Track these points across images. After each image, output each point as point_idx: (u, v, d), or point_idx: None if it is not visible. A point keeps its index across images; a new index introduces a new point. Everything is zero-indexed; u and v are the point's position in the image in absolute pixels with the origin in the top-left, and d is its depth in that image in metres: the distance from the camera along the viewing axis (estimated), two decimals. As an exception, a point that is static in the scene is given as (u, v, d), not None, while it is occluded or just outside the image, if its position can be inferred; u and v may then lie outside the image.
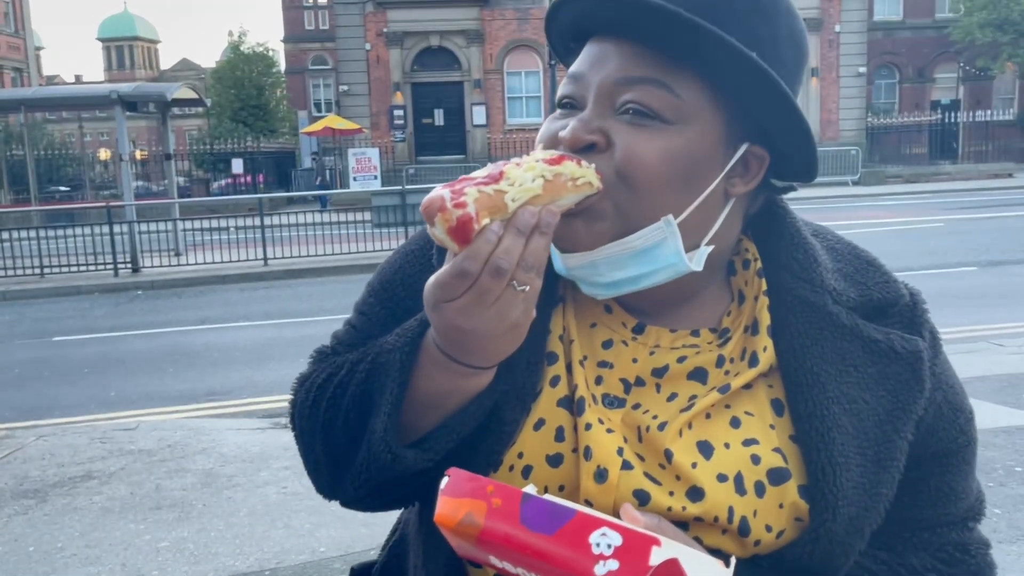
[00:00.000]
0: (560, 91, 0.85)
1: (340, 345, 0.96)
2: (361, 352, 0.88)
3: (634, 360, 0.85)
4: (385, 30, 28.68)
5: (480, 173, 0.72)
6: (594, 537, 0.65)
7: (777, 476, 0.79)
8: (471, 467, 0.74)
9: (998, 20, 27.67)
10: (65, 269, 13.30)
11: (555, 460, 0.81)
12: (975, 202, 18.90)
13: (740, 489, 0.78)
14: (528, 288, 0.72)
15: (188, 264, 13.61)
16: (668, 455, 0.79)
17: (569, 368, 0.85)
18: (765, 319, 0.85)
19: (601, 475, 0.79)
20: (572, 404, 0.83)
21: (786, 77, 0.78)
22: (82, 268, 13.32)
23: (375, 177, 21.90)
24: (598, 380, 0.85)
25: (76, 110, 22.43)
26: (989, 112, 30.04)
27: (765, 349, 0.83)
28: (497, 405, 0.81)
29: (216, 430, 5.51)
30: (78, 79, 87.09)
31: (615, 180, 0.78)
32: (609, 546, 0.64)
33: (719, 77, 0.77)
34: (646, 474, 0.79)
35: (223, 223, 15.06)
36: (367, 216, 15.47)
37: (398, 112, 28.66)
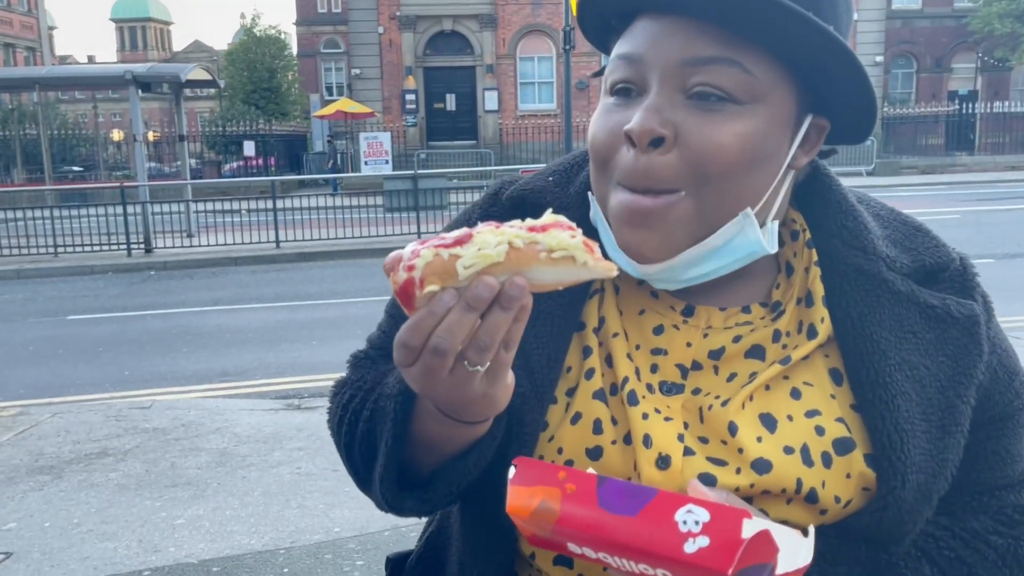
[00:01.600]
0: (613, 75, 0.79)
1: (372, 349, 0.96)
2: (374, 378, 0.88)
3: (688, 344, 0.84)
4: (398, 13, 28.57)
5: (454, 233, 0.63)
6: (680, 515, 0.63)
7: (843, 446, 0.78)
8: (501, 471, 0.73)
9: (1018, 11, 27.37)
10: (79, 249, 13.35)
11: (595, 453, 0.80)
12: (992, 194, 18.75)
13: (808, 461, 0.77)
14: (483, 368, 0.65)
15: (200, 246, 13.64)
16: (732, 428, 0.78)
17: (609, 361, 0.83)
18: (819, 290, 0.83)
19: (664, 461, 0.78)
20: (607, 396, 0.81)
21: (845, 39, 0.76)
22: (95, 248, 13.37)
23: (387, 161, 21.87)
24: (654, 368, 0.83)
25: (90, 90, 22.46)
26: (1007, 103, 29.70)
27: (823, 320, 0.82)
28: (516, 407, 0.79)
29: (229, 410, 5.53)
30: (90, 60, 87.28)
31: (693, 178, 0.74)
32: (697, 522, 0.62)
33: (790, 50, 0.74)
34: (709, 458, 0.78)
35: (235, 205, 15.06)
36: (379, 200, 15.47)
37: (410, 96, 28.59)
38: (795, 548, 0.66)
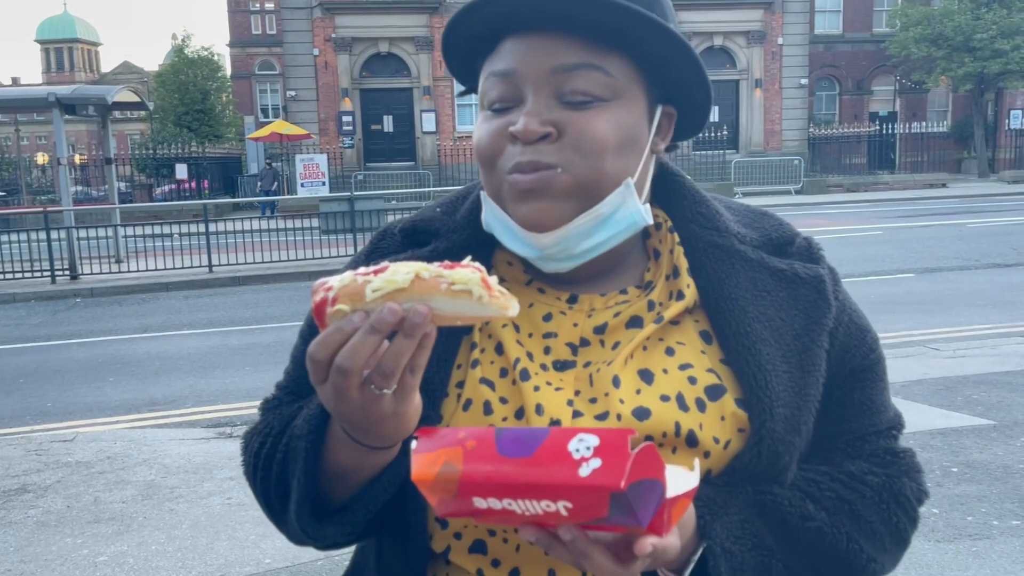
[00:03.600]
0: (490, 93, 0.88)
1: (281, 392, 1.01)
2: (282, 423, 0.92)
3: (575, 324, 0.92)
4: (333, 35, 28.44)
5: (375, 267, 0.69)
6: (572, 444, 0.66)
7: (714, 392, 0.87)
8: (403, 467, 0.78)
9: (932, 35, 28.58)
10: (0, 276, 12.87)
11: None
12: (912, 211, 19.49)
13: (683, 406, 0.86)
14: (389, 392, 0.70)
15: (130, 271, 13.27)
16: (616, 382, 0.86)
17: (499, 349, 0.90)
18: (683, 263, 0.94)
19: (555, 423, 0.85)
20: (496, 380, 0.88)
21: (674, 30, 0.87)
22: (18, 275, 12.90)
23: (323, 183, 21.68)
24: (547, 350, 0.91)
25: (12, 112, 21.74)
26: (924, 124, 31.04)
27: (688, 286, 0.92)
28: None
29: (158, 440, 5.38)
30: (15, 81, 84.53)
31: (576, 159, 0.84)
32: (588, 448, 0.66)
33: (640, 50, 0.86)
34: (596, 416, 0.85)
35: (166, 229, 14.72)
36: (315, 222, 15.30)
37: (347, 118, 28.42)
38: (683, 475, 0.71)
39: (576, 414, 0.85)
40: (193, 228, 14.02)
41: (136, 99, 16.96)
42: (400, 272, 0.67)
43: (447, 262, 0.69)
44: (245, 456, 0.96)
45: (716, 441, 0.85)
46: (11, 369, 7.71)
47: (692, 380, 0.87)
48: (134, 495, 4.47)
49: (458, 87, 0.98)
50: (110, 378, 7.20)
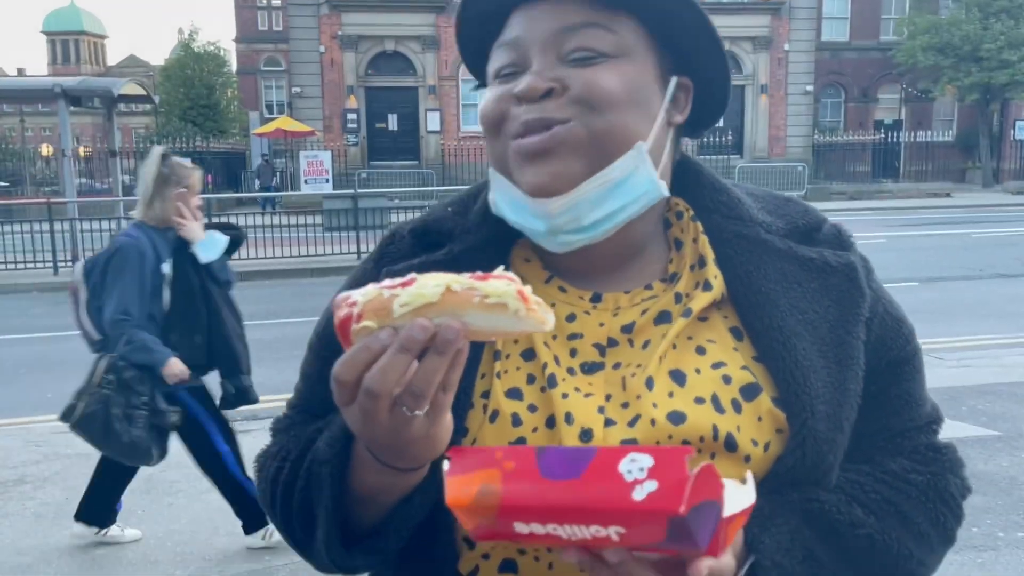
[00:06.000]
0: (497, 62, 0.86)
1: (292, 411, 0.97)
2: (300, 446, 0.87)
3: (601, 324, 0.88)
4: (340, 33, 28.43)
5: (401, 278, 0.65)
6: (623, 465, 0.62)
7: (750, 391, 0.83)
8: (435, 486, 0.74)
9: (939, 44, 28.55)
10: (3, 266, 12.85)
11: (520, 444, 0.82)
12: (915, 220, 19.47)
13: (719, 408, 0.81)
14: (421, 413, 0.65)
15: (132, 264, 13.26)
16: (649, 383, 0.82)
17: (525, 355, 0.87)
18: (709, 253, 0.90)
19: (586, 435, 0.81)
20: (524, 389, 0.84)
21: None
22: (20, 266, 12.87)
23: (327, 180, 21.66)
24: (573, 352, 0.87)
25: (17, 103, 21.81)
26: (929, 133, 31.01)
27: (716, 276, 0.88)
28: None
29: (158, 434, 5.35)
30: (20, 72, 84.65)
31: (582, 111, 0.81)
32: (642, 469, 0.61)
33: (648, 14, 0.84)
34: (629, 423, 0.81)
35: (169, 223, 14.68)
36: (318, 219, 15.29)
37: (351, 116, 28.41)
38: (738, 491, 0.67)
39: (608, 422, 0.81)
40: (196, 222, 13.98)
41: (142, 92, 16.94)
42: (429, 285, 0.62)
43: (479, 273, 0.64)
44: (260, 482, 0.92)
45: (755, 444, 0.81)
46: (11, 360, 7.71)
47: (727, 379, 0.83)
48: (133, 488, 4.43)
49: (472, 81, 0.97)
50: (111, 371, 7.18)
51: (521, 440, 0.82)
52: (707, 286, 0.87)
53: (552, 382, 0.83)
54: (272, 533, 3.67)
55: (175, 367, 3.42)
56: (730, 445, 0.80)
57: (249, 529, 3.72)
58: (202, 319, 3.54)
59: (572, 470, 0.63)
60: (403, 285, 0.63)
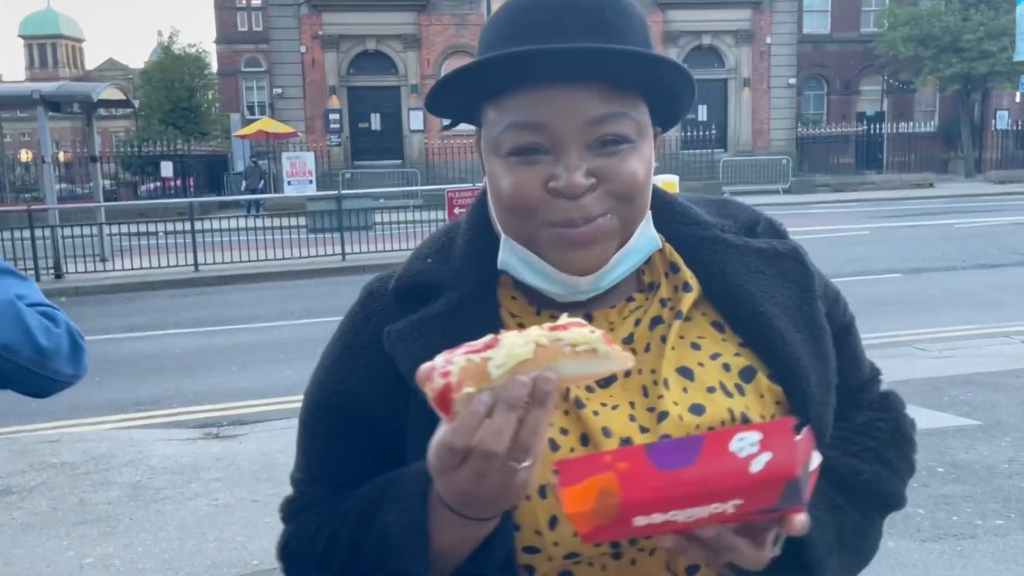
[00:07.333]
0: (515, 140, 0.86)
1: (306, 487, 0.97)
2: (347, 520, 0.87)
3: None
4: (320, 33, 28.33)
5: (482, 340, 0.69)
6: (733, 444, 0.68)
7: (747, 373, 0.92)
8: (509, 522, 0.81)
9: (920, 35, 28.73)
10: (-17, 275, 12.72)
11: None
12: (899, 211, 19.61)
13: (727, 393, 0.90)
14: (527, 464, 0.70)
15: (115, 270, 13.17)
16: (665, 384, 0.89)
17: None
18: (678, 258, 0.97)
19: (626, 443, 0.86)
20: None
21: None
22: (1, 274, 12.77)
23: (310, 181, 21.57)
24: None
25: (-5, 109, 21.52)
26: (911, 124, 31.22)
27: (692, 278, 0.96)
28: None
29: (144, 441, 5.34)
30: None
31: (618, 204, 0.87)
32: (753, 444, 0.68)
33: (655, 89, 0.89)
34: (659, 422, 0.87)
35: (152, 228, 14.61)
36: (302, 221, 15.24)
37: (334, 116, 28.32)
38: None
39: (643, 430, 0.87)
40: (179, 226, 13.90)
41: (122, 97, 16.84)
42: (518, 344, 0.67)
43: (551, 324, 0.71)
44: (298, 562, 0.92)
45: (763, 419, 0.90)
46: (-5, 369, 7.63)
47: (726, 367, 0.91)
48: (120, 496, 4.43)
49: (443, 120, 0.97)
50: (95, 378, 7.13)
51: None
52: (687, 287, 0.95)
53: (579, 404, 0.88)
54: None
55: None
56: (747, 423, 0.88)
57: None
58: None
59: (686, 459, 0.68)
60: (487, 347, 0.68)
